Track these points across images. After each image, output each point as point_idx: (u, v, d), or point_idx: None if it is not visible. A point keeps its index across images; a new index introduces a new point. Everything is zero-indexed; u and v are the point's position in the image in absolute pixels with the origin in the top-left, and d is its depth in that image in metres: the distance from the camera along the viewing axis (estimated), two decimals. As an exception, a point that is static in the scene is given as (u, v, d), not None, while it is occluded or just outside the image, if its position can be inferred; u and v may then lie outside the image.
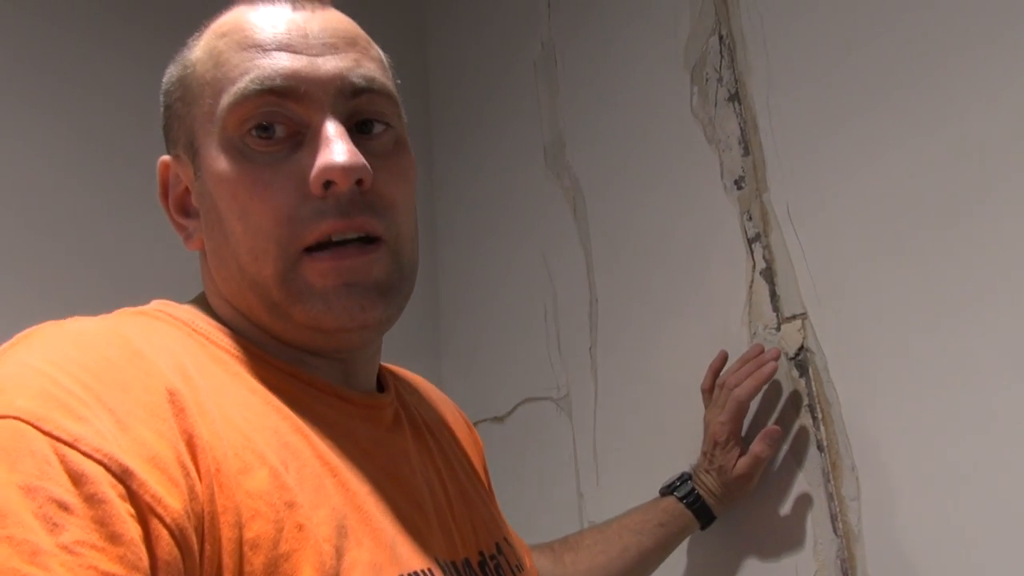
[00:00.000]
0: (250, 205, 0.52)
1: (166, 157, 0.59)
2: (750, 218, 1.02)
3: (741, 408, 0.93)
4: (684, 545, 1.01)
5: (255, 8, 0.55)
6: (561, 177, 1.31)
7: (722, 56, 1.07)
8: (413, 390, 0.70)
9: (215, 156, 0.53)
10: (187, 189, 0.57)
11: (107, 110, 1.24)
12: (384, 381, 0.63)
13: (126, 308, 0.54)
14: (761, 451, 0.91)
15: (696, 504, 0.93)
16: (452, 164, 1.54)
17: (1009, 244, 0.79)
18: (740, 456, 0.93)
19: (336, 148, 0.51)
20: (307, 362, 0.56)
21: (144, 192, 1.21)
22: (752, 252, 1.02)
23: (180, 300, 0.58)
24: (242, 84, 0.52)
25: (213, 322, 0.55)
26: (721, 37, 1.08)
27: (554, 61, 1.35)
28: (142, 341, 0.47)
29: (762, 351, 0.95)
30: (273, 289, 0.52)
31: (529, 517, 1.28)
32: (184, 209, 0.58)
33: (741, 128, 1.04)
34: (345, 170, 0.50)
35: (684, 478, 0.95)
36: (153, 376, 0.45)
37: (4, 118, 1.16)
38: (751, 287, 1.01)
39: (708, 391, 0.98)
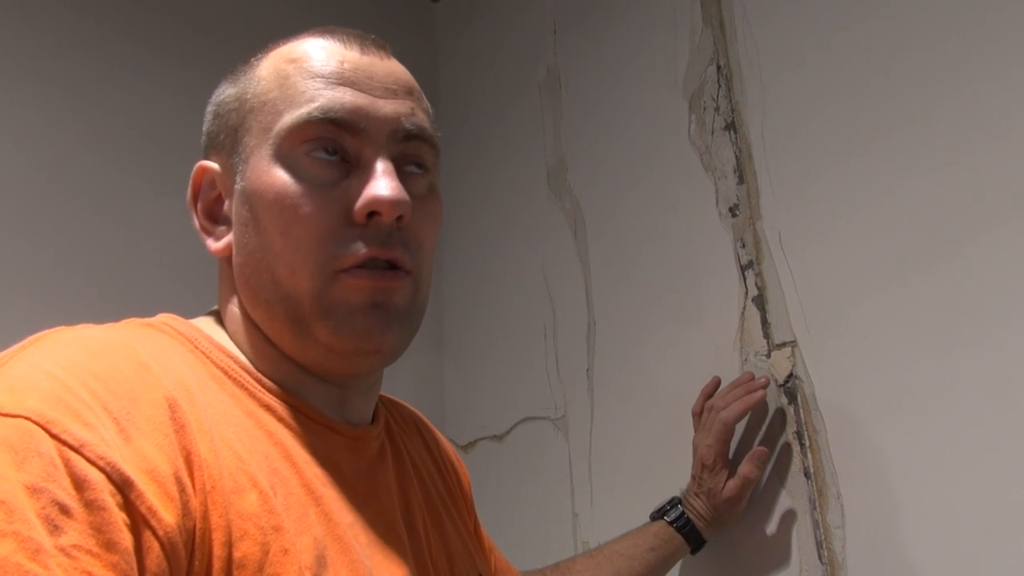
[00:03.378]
0: (294, 221, 0.54)
1: (205, 162, 0.60)
2: (743, 245, 1.04)
3: (727, 430, 0.94)
4: (675, 570, 1.02)
5: (327, 42, 0.59)
6: (562, 199, 1.33)
7: (719, 85, 1.09)
8: (405, 423, 0.72)
9: (265, 168, 0.55)
10: (219, 196, 0.59)
11: (116, 120, 1.28)
12: (377, 413, 0.64)
13: (134, 319, 0.56)
14: (749, 472, 0.92)
15: (686, 528, 0.94)
16: (458, 183, 1.56)
17: (997, 277, 0.80)
18: (728, 479, 0.94)
19: (384, 183, 0.54)
20: (304, 386, 0.57)
21: (151, 195, 1.25)
22: (745, 279, 1.03)
23: (184, 303, 0.60)
24: (307, 109, 0.55)
25: (215, 340, 0.56)
26: (719, 67, 1.10)
27: (559, 85, 1.37)
28: (148, 354, 0.48)
29: (753, 378, 0.97)
30: (305, 303, 0.54)
31: (524, 535, 1.29)
32: (213, 215, 0.60)
33: (736, 156, 1.06)
34: (392, 204, 0.53)
35: (674, 502, 0.96)
36: (157, 389, 0.46)
37: (15, 124, 1.19)
38: (743, 313, 1.03)
39: (698, 415, 0.99)
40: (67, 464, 0.39)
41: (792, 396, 0.96)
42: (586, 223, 1.28)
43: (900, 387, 0.86)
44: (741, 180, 1.05)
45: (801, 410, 0.95)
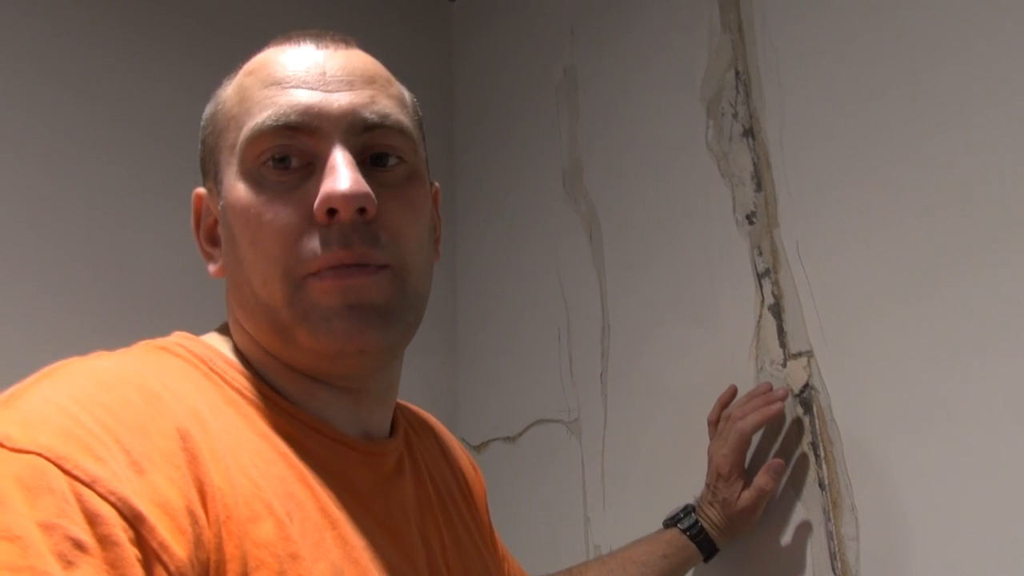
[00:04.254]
0: (259, 231, 0.54)
1: (200, 189, 0.62)
2: (760, 253, 1.03)
3: (744, 440, 0.94)
4: (685, 576, 1.02)
5: (282, 49, 0.58)
6: (578, 203, 1.33)
7: (738, 91, 1.09)
8: (422, 430, 0.72)
9: (233, 185, 0.55)
10: (215, 220, 0.60)
11: (123, 124, 1.28)
12: (396, 423, 0.64)
13: (147, 341, 0.56)
14: (765, 484, 0.92)
15: (699, 536, 0.93)
16: (474, 185, 1.56)
17: (1018, 291, 0.79)
18: (743, 489, 0.93)
19: (340, 176, 0.52)
20: (317, 397, 0.57)
21: (164, 209, 1.25)
22: (761, 287, 1.03)
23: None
24: (260, 119, 0.54)
25: (230, 359, 0.56)
26: (737, 73, 1.09)
27: (576, 87, 1.37)
28: (160, 384, 0.48)
29: (771, 389, 0.96)
30: (281, 311, 0.54)
31: (535, 538, 1.29)
32: (212, 238, 0.61)
33: (754, 163, 1.05)
34: (347, 197, 0.51)
35: (688, 510, 0.96)
36: (169, 420, 0.46)
37: (25, 130, 1.19)
38: (759, 322, 1.02)
39: (714, 424, 0.99)
40: (79, 500, 0.40)
41: (808, 407, 0.95)
42: (601, 227, 1.28)
43: (917, 400, 0.86)
44: (759, 187, 1.04)
45: (817, 421, 0.94)
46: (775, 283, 1.01)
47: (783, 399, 0.94)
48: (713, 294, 1.09)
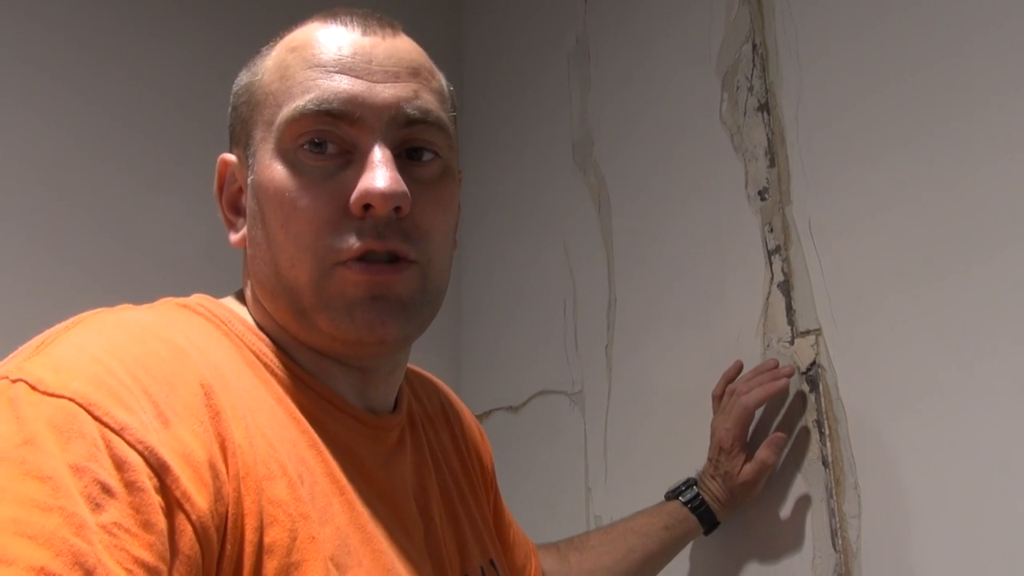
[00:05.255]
0: (293, 214, 0.54)
1: (228, 156, 0.61)
2: (771, 230, 1.02)
3: (747, 414, 0.94)
4: (686, 551, 1.03)
5: (327, 27, 0.57)
6: (587, 174, 1.32)
7: (754, 65, 1.07)
8: (430, 400, 0.72)
9: (268, 163, 0.55)
10: (240, 188, 0.60)
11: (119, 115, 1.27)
12: (400, 397, 0.65)
13: (169, 299, 0.57)
14: (767, 457, 0.93)
15: (700, 509, 0.94)
16: (482, 155, 1.55)
17: (1029, 274, 0.79)
18: (745, 463, 0.94)
19: (379, 174, 0.53)
20: (327, 371, 0.58)
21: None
22: (771, 264, 1.02)
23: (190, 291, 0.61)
24: (302, 101, 0.54)
25: (248, 323, 0.57)
26: (755, 46, 1.07)
27: (587, 56, 1.35)
28: (185, 338, 0.49)
29: (777, 366, 0.96)
30: (304, 295, 0.54)
31: (537, 509, 1.30)
32: (235, 206, 0.61)
33: (768, 139, 1.04)
34: (385, 196, 0.52)
35: (689, 483, 0.97)
36: (194, 375, 0.47)
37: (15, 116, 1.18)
38: (768, 299, 1.02)
39: (718, 398, 0.99)
40: (108, 446, 0.40)
41: (814, 384, 0.95)
42: (610, 199, 1.27)
43: (924, 381, 0.86)
44: (772, 163, 1.03)
45: (822, 398, 0.94)
46: (785, 260, 1.00)
47: (789, 376, 0.94)
48: (722, 270, 1.08)
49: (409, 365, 0.70)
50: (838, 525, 0.91)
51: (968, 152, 0.84)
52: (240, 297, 0.61)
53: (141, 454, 0.41)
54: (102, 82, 1.24)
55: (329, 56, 0.55)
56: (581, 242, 1.31)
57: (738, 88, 1.09)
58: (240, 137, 0.60)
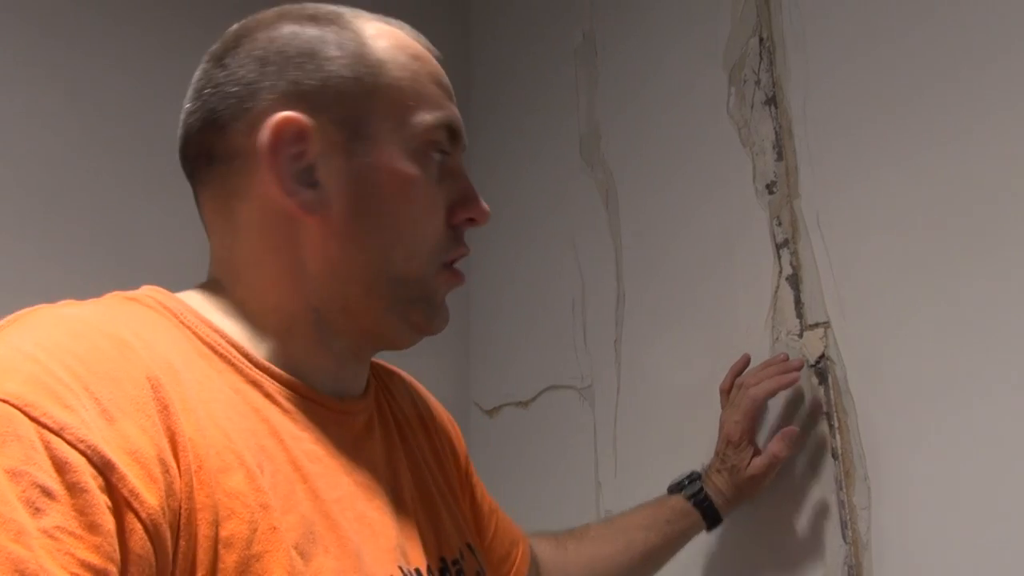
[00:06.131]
0: (424, 213, 0.59)
1: (297, 115, 0.55)
2: (779, 223, 1.03)
3: (756, 407, 0.94)
4: (696, 543, 1.03)
5: (423, 45, 0.62)
6: (595, 169, 1.32)
7: (761, 59, 1.07)
8: (397, 390, 0.72)
9: (400, 157, 0.58)
10: (302, 153, 0.56)
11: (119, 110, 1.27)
12: (368, 382, 0.65)
13: (117, 292, 0.55)
14: (779, 450, 0.92)
15: (704, 504, 0.94)
16: (489, 151, 1.55)
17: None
18: (754, 457, 0.94)
19: (480, 198, 0.63)
20: (297, 359, 0.57)
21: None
22: (779, 257, 1.02)
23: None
24: (439, 115, 0.60)
25: (201, 315, 0.55)
26: (761, 39, 1.07)
27: (594, 52, 1.35)
28: (130, 332, 0.47)
29: (787, 359, 0.96)
30: (413, 288, 0.59)
31: (546, 502, 1.31)
32: (297, 175, 0.56)
33: (776, 133, 1.04)
34: (487, 217, 0.64)
35: (693, 477, 0.96)
36: (140, 369, 0.45)
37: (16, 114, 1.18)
38: (776, 292, 1.02)
39: (726, 391, 1.00)
40: (47, 447, 0.39)
41: (823, 377, 0.96)
42: (618, 194, 1.27)
43: (934, 373, 0.86)
44: (780, 157, 1.03)
45: (831, 391, 0.95)
46: (794, 254, 1.01)
47: (799, 369, 0.94)
48: (730, 264, 1.08)
49: (376, 360, 0.69)
50: (848, 517, 0.91)
51: (978, 144, 0.84)
52: (207, 288, 0.59)
53: (83, 453, 0.40)
54: (102, 81, 1.25)
55: (442, 79, 0.62)
56: (589, 237, 1.31)
57: (745, 82, 1.09)
58: (331, 107, 0.56)
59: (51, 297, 0.52)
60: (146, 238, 1.25)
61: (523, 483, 1.36)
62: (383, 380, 0.71)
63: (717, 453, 0.97)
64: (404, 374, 0.77)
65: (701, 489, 0.94)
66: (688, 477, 0.97)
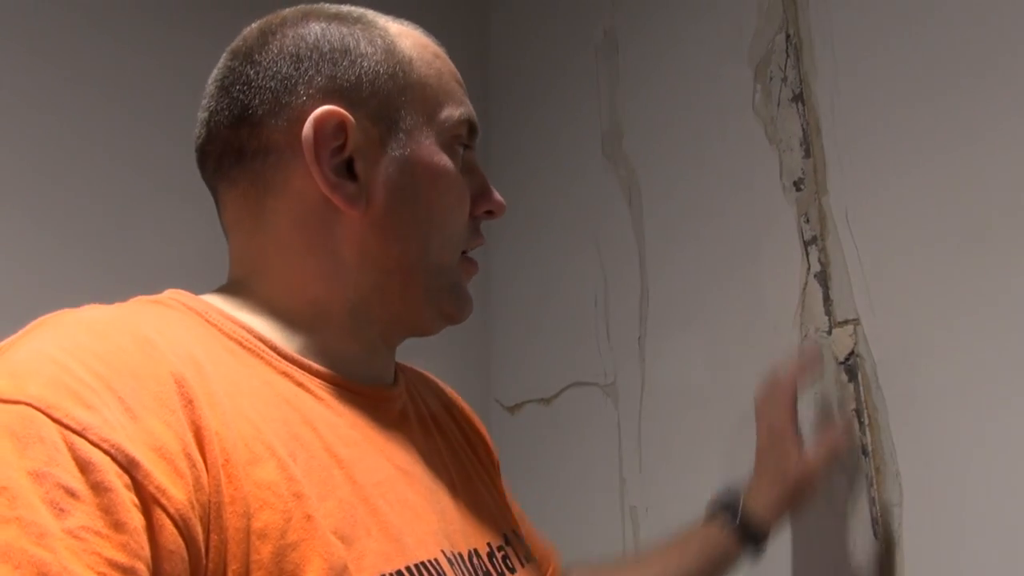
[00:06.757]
0: (457, 204, 0.61)
1: (339, 109, 0.56)
2: (807, 220, 1.03)
3: (792, 394, 0.91)
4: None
5: (433, 45, 0.64)
6: (618, 166, 1.32)
7: (788, 55, 1.07)
8: (426, 387, 0.72)
9: (434, 150, 0.60)
10: (342, 147, 0.56)
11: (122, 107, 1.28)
12: (396, 374, 0.66)
13: (140, 296, 0.55)
14: (834, 441, 0.91)
15: (746, 531, 0.87)
16: (510, 147, 1.56)
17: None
18: (799, 456, 0.89)
19: (495, 191, 0.65)
20: (331, 349, 0.57)
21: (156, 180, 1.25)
22: (808, 254, 1.02)
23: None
24: (463, 111, 0.62)
25: (226, 313, 0.55)
26: (788, 36, 1.07)
27: (616, 49, 1.35)
28: (154, 330, 0.48)
29: (818, 354, 0.97)
30: (444, 276, 0.61)
31: (570, 499, 1.32)
32: (337, 169, 0.57)
33: (803, 129, 1.04)
34: (504, 209, 0.65)
35: (730, 500, 0.90)
36: (163, 365, 0.45)
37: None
38: (804, 289, 1.02)
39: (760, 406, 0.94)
40: (71, 448, 0.39)
41: (852, 374, 0.96)
42: (641, 191, 1.27)
43: (965, 368, 0.86)
44: (808, 154, 1.03)
45: (862, 388, 0.95)
46: (822, 251, 1.01)
47: (816, 359, 0.96)
48: (757, 261, 1.08)
49: (404, 363, 0.70)
50: (879, 514, 0.92)
51: (1010, 139, 0.84)
52: (229, 289, 0.59)
53: (107, 452, 0.40)
54: (105, 81, 1.25)
55: (459, 77, 0.64)
56: (612, 235, 1.31)
57: (771, 79, 1.09)
58: (369, 103, 0.57)
59: (60, 297, 0.52)
60: (154, 243, 1.25)
61: (546, 480, 1.36)
62: (412, 380, 0.71)
63: (758, 459, 0.91)
64: (431, 376, 0.77)
65: (742, 515, 0.87)
66: (726, 504, 0.89)
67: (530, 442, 1.42)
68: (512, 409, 1.47)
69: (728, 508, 0.88)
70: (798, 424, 0.93)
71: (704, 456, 1.12)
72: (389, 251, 0.59)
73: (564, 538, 1.28)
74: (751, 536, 0.87)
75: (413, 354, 0.73)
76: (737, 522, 0.87)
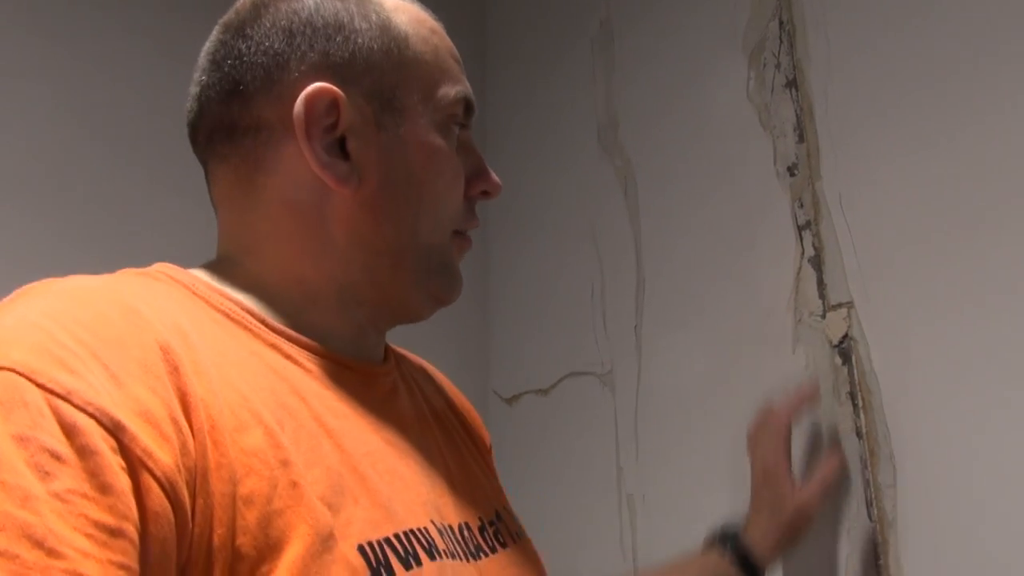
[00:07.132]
0: (451, 185, 0.60)
1: (331, 86, 0.55)
2: (801, 205, 1.03)
3: (785, 428, 0.91)
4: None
5: (431, 21, 0.62)
6: (613, 156, 1.33)
7: (781, 42, 1.07)
8: (416, 370, 0.72)
9: (429, 129, 0.59)
10: (334, 125, 0.56)
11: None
12: (387, 353, 0.65)
13: (129, 269, 0.55)
14: (830, 470, 0.90)
15: (744, 562, 0.87)
16: (506, 138, 1.56)
17: (1063, 242, 0.79)
18: (793, 487, 0.89)
19: (491, 171, 0.64)
20: (320, 326, 0.57)
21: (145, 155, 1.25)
22: (801, 239, 1.03)
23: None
24: (459, 89, 0.61)
25: (214, 287, 0.55)
26: (781, 22, 1.08)
27: (612, 39, 1.35)
28: (139, 299, 0.47)
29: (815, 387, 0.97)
30: (434, 257, 0.60)
31: (568, 488, 1.32)
32: (329, 147, 0.56)
33: (797, 115, 1.04)
34: (499, 190, 0.65)
35: (730, 536, 0.89)
36: (149, 333, 0.45)
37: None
38: (798, 274, 1.03)
39: (752, 436, 0.94)
40: (55, 412, 0.39)
41: (846, 357, 0.96)
42: (637, 180, 1.28)
43: (958, 350, 0.86)
44: (801, 139, 1.04)
45: (855, 371, 0.95)
46: (816, 235, 1.01)
47: (814, 391, 0.95)
48: (752, 247, 1.09)
49: (400, 349, 0.70)
50: (873, 496, 0.92)
51: (1001, 124, 0.85)
52: (217, 265, 0.58)
53: (92, 416, 0.39)
54: (105, 80, 1.26)
55: (456, 54, 0.62)
56: (608, 223, 1.32)
57: (765, 65, 1.09)
58: (362, 81, 0.57)
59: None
60: (145, 224, 1.25)
61: (545, 470, 1.36)
62: (403, 362, 0.70)
63: (753, 494, 0.91)
64: (427, 364, 0.76)
65: (740, 547, 0.87)
66: (723, 537, 0.89)
67: (528, 433, 1.43)
68: (510, 400, 1.48)
69: (727, 539, 0.88)
70: (791, 460, 0.92)
71: (700, 444, 1.12)
72: (380, 231, 0.58)
73: (562, 526, 1.28)
74: (749, 568, 0.87)
75: (411, 345, 0.74)
76: (733, 554, 0.87)
